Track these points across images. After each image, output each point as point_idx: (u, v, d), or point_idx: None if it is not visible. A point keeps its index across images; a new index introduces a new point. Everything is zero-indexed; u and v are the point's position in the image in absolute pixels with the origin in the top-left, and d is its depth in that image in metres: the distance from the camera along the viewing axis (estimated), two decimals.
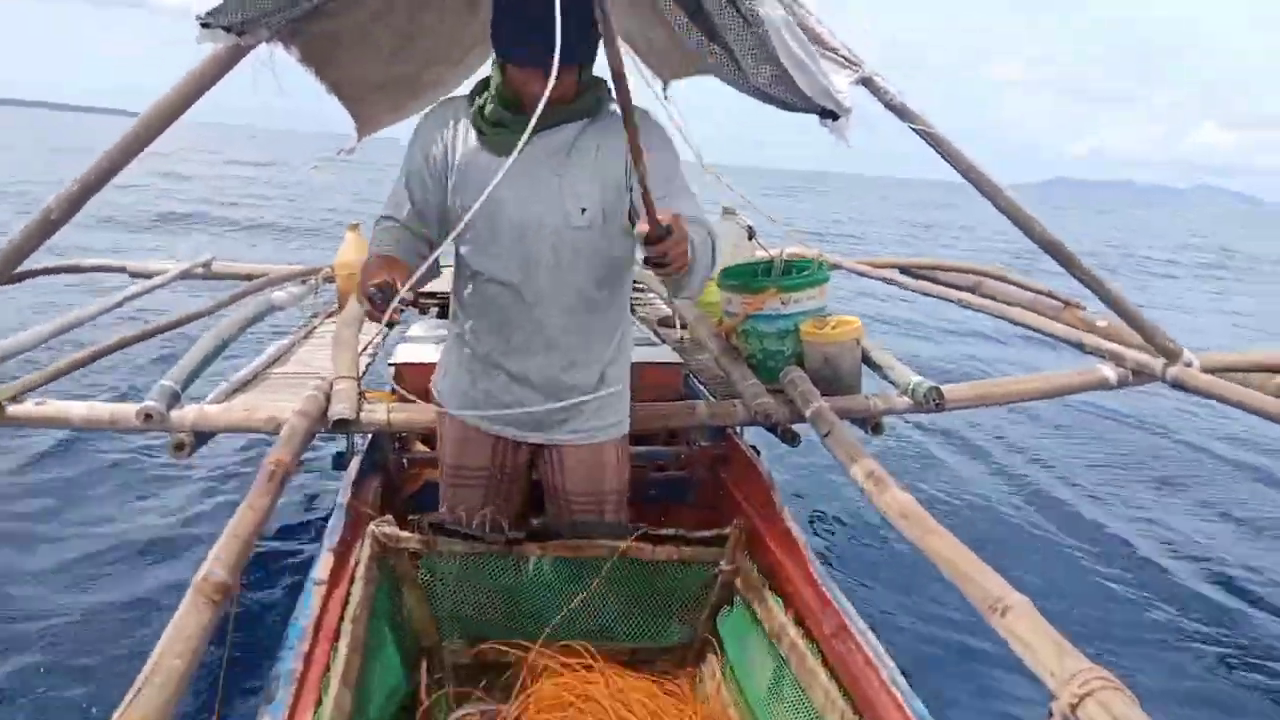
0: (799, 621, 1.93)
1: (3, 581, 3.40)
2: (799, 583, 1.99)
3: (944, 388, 2.70)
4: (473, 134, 1.94)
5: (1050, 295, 3.87)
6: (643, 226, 1.54)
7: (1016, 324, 3.81)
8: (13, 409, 2.38)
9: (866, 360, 2.93)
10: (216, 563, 1.53)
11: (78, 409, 2.41)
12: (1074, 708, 1.25)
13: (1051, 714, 1.29)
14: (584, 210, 1.89)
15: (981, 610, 1.53)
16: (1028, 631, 1.43)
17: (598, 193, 1.90)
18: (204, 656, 1.35)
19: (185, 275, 4.28)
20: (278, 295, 3.67)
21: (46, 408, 2.40)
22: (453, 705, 2.15)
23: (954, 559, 1.70)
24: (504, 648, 2.33)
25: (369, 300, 1.76)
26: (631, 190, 1.89)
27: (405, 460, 2.76)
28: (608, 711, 2.23)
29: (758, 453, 2.73)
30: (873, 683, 1.62)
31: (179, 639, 1.30)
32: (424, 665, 2.22)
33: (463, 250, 2.02)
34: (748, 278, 2.90)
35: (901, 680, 1.60)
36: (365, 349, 3.05)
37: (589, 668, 2.17)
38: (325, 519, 2.28)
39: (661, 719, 2.28)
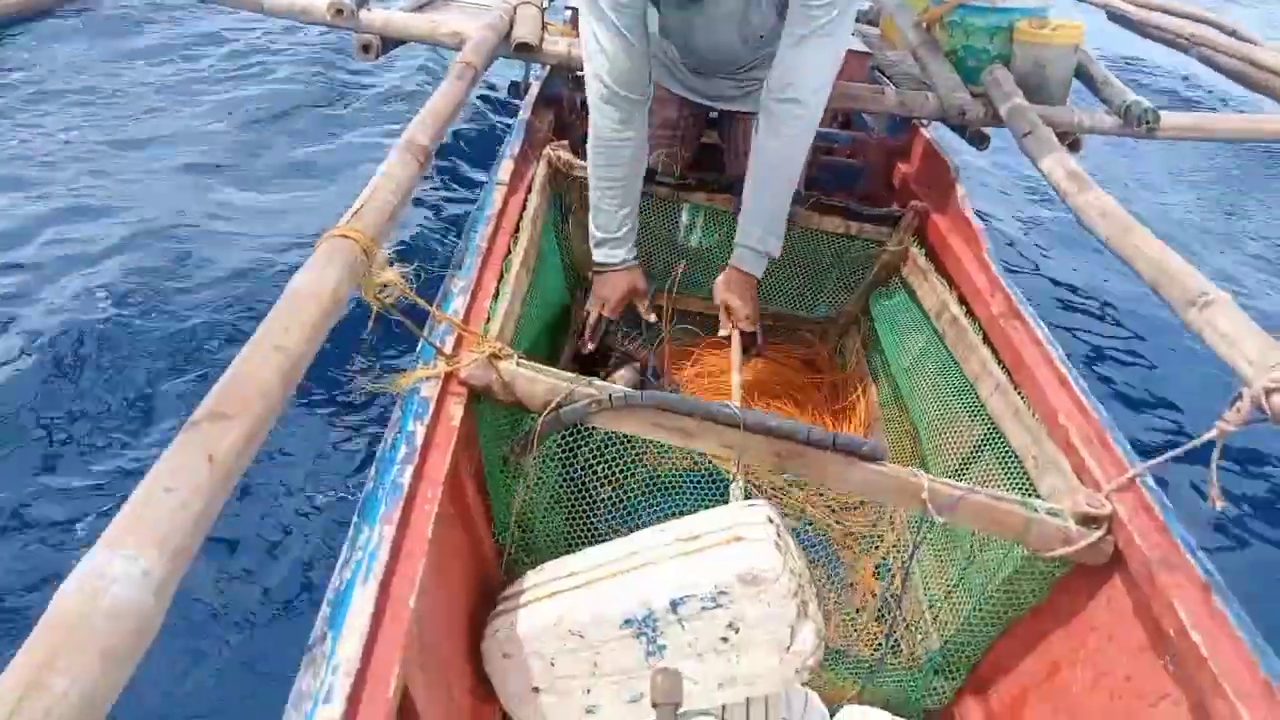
0: (962, 301, 1.90)
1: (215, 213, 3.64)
2: (969, 266, 1.94)
3: (1161, 112, 2.45)
4: None
5: None
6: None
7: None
8: None
9: (1079, 74, 2.66)
10: (418, 128, 1.56)
11: None
12: (1270, 393, 1.20)
13: (1239, 399, 1.24)
14: (762, 37, 1.95)
15: (1179, 307, 1.45)
16: (1228, 324, 1.36)
17: (774, 16, 1.89)
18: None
19: None
20: None
21: None
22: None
23: (1155, 256, 1.61)
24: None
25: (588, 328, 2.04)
26: None
27: (580, 100, 2.73)
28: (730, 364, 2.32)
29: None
30: (1035, 356, 1.60)
31: (390, 180, 1.35)
32: (580, 291, 2.33)
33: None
34: None
35: (1065, 358, 1.57)
36: None
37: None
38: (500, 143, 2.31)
39: (793, 382, 2.37)
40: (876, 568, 1.77)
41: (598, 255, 2.02)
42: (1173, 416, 3.20)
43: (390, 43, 2.52)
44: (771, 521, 1.22)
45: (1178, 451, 1.27)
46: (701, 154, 2.47)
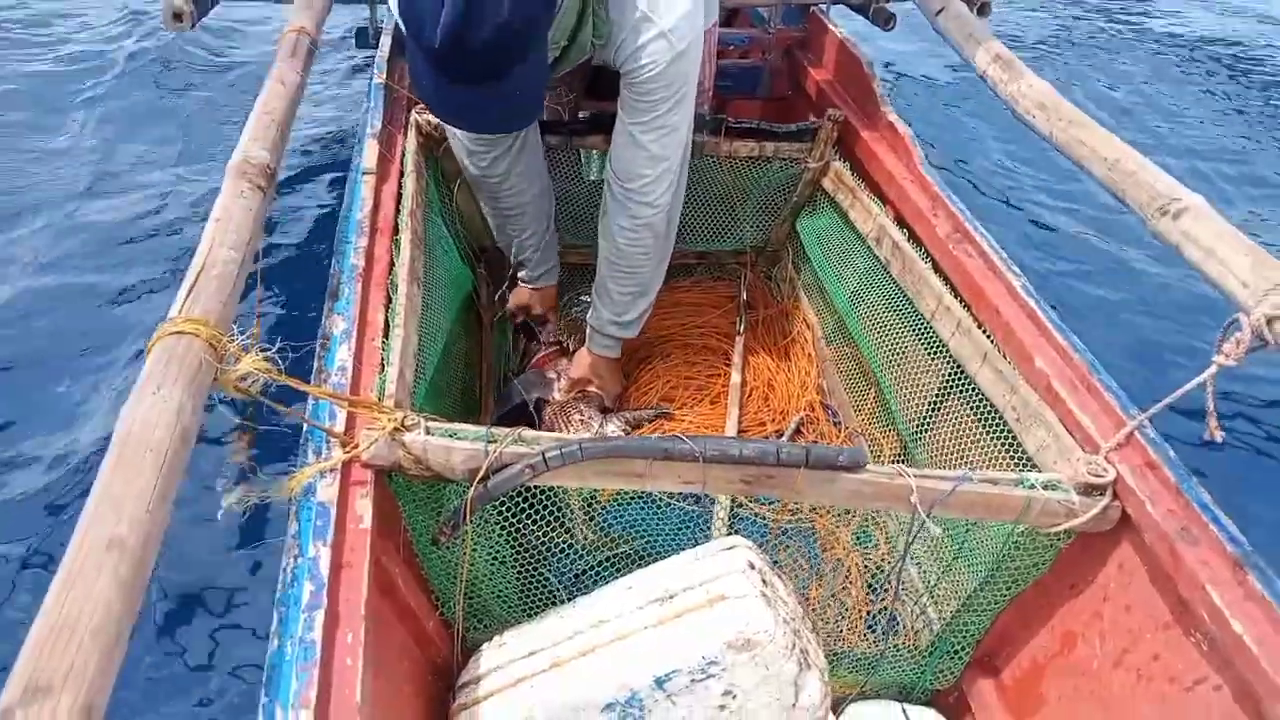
0: (902, 223, 1.73)
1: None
2: (904, 183, 1.75)
3: None
4: None
5: None
6: None
7: None
8: None
9: None
10: (253, 143, 1.28)
11: None
12: (1271, 321, 1.07)
13: (1235, 327, 1.11)
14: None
15: (1146, 215, 1.30)
16: (1209, 235, 1.22)
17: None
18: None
19: None
20: None
21: None
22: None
23: (1108, 154, 1.45)
24: (566, 250, 2.18)
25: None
26: None
27: None
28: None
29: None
30: (999, 290, 1.44)
31: (226, 228, 1.10)
32: (481, 265, 2.09)
33: None
34: None
35: (1032, 289, 1.42)
36: None
37: None
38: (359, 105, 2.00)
39: (716, 321, 2.20)
40: (855, 537, 1.65)
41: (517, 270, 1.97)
42: (1158, 341, 2.83)
43: (205, 5, 2.15)
44: (754, 567, 1.07)
45: (1175, 395, 1.14)
46: (597, 77, 2.18)
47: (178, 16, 2.05)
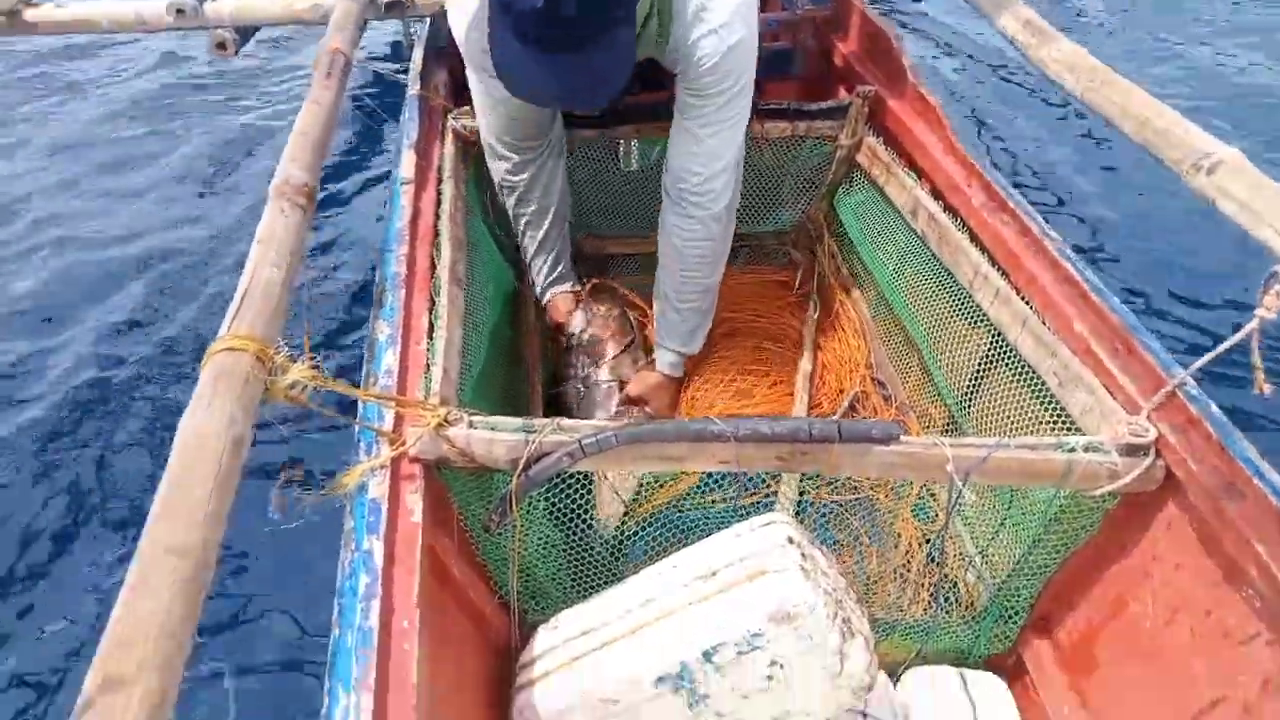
0: (937, 196, 1.72)
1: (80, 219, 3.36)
2: (937, 155, 1.74)
3: None
4: None
5: None
6: None
7: None
8: (31, 13, 2.12)
9: None
10: (292, 164, 1.34)
11: (101, 9, 2.13)
12: None
13: (1275, 279, 1.09)
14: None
15: (1181, 171, 1.28)
16: (1244, 188, 1.19)
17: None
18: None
19: None
20: None
21: (65, 10, 2.13)
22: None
23: (1140, 112, 1.42)
24: (601, 240, 2.22)
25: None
26: None
27: None
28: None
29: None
30: (1036, 256, 1.43)
31: (270, 247, 1.16)
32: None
33: None
34: None
35: (1070, 253, 1.41)
36: None
37: None
38: (397, 117, 2.06)
39: (773, 305, 2.21)
40: (913, 510, 1.65)
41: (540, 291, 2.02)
42: (1198, 297, 2.77)
43: (247, 33, 2.25)
44: (792, 541, 1.09)
45: (1218, 351, 1.12)
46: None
47: (221, 45, 2.15)
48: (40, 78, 4.55)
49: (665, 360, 1.86)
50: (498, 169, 1.82)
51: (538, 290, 2.01)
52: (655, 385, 1.88)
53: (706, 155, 1.59)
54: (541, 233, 1.91)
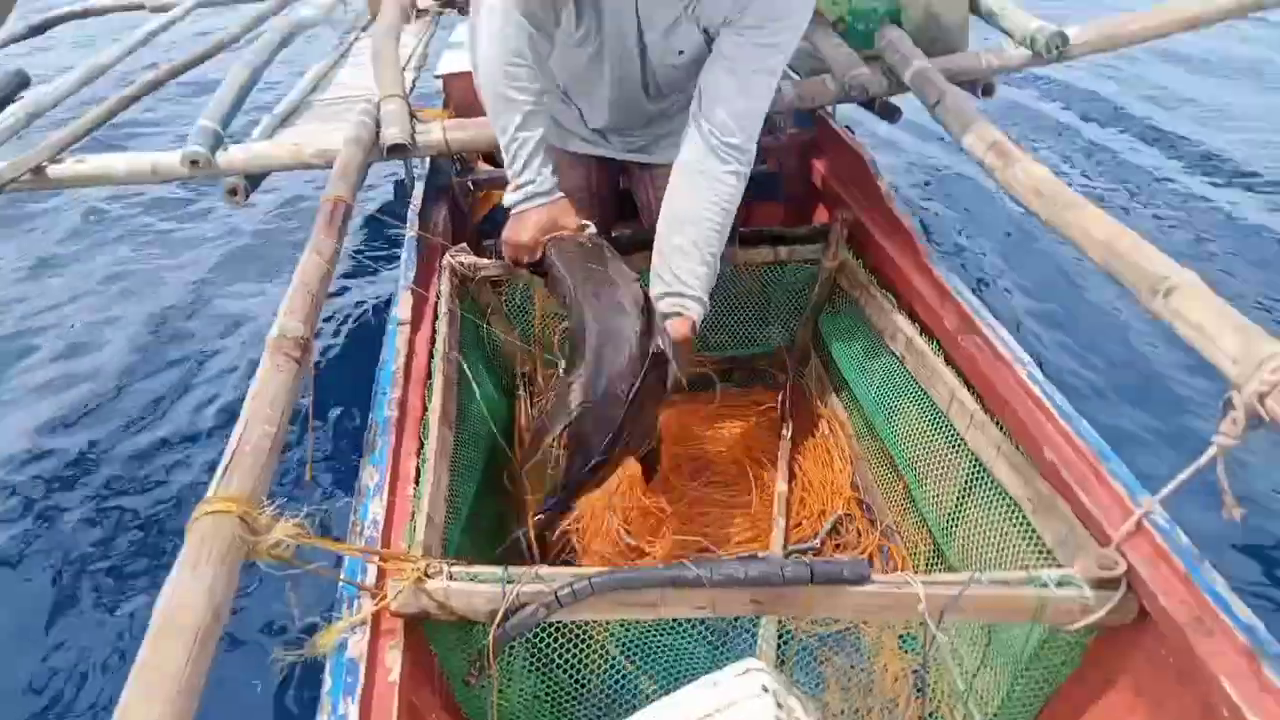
0: (914, 318, 1.77)
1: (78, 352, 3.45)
2: (912, 276, 1.80)
3: (1068, 30, 2.30)
4: None
5: None
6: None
7: None
8: (54, 170, 2.24)
9: (974, 9, 2.52)
10: (289, 316, 1.41)
11: (120, 162, 2.26)
12: (1263, 397, 1.07)
13: (1231, 406, 1.11)
14: (681, 53, 1.69)
15: (1140, 295, 1.32)
16: (1199, 312, 1.23)
17: (698, 38, 1.65)
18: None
19: (205, 2, 3.92)
20: (304, 12, 3.33)
21: (86, 165, 2.25)
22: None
23: (1104, 237, 1.47)
24: None
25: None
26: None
27: (471, 182, 2.57)
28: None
29: (853, 134, 2.44)
30: (1007, 380, 1.47)
31: (263, 404, 1.21)
32: (520, 390, 2.19)
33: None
34: None
35: (1040, 376, 1.44)
36: (408, 62, 2.76)
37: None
38: (398, 254, 2.15)
39: (755, 427, 2.24)
40: (901, 639, 1.65)
41: (508, 198, 1.68)
42: (1166, 417, 2.72)
43: (256, 179, 2.37)
44: (768, 690, 1.09)
45: (1182, 478, 1.13)
46: (624, 204, 2.29)
47: (233, 192, 2.26)
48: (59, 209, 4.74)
49: (690, 306, 1.62)
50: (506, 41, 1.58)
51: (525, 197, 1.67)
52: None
53: (739, 94, 1.56)
54: (536, 126, 1.65)
